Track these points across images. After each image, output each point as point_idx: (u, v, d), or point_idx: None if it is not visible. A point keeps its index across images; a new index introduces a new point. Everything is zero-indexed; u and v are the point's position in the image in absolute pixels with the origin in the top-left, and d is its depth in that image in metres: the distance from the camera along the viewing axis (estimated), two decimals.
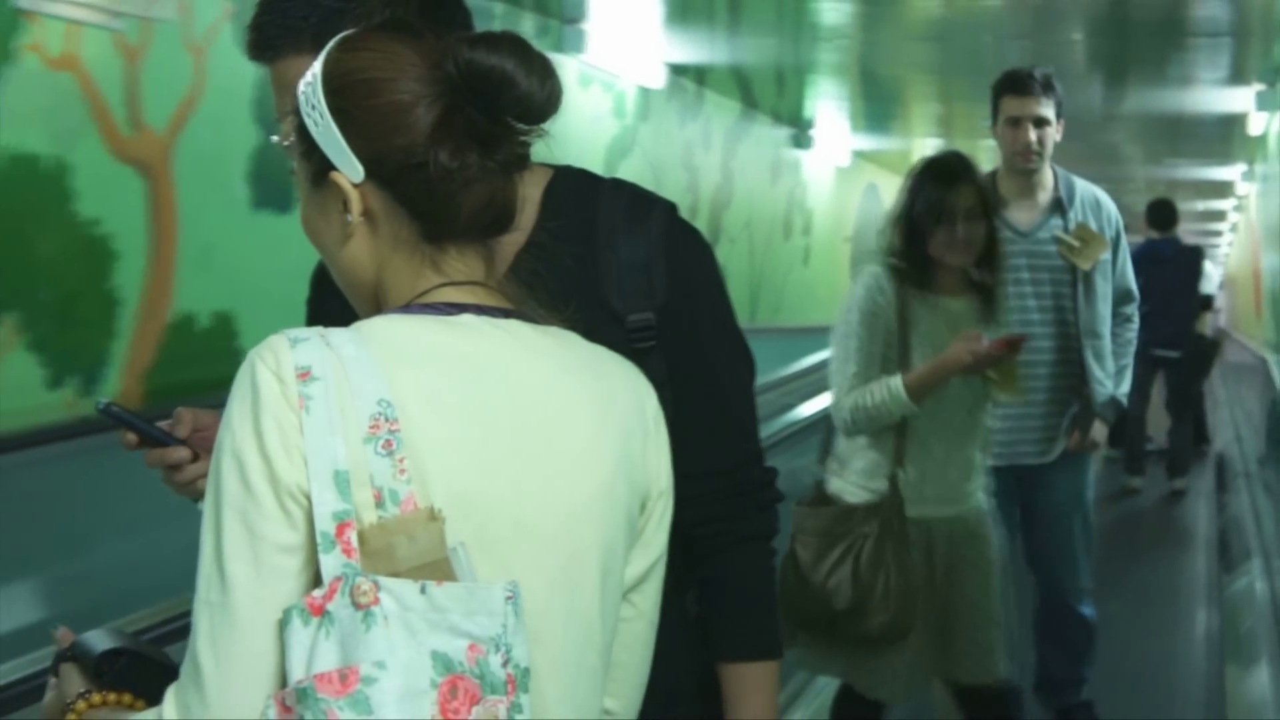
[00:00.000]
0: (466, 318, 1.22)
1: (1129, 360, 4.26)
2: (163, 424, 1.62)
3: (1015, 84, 4.00)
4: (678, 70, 7.77)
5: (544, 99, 1.21)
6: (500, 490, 1.17)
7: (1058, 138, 4.06)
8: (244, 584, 1.09)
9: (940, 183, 3.25)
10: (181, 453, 1.59)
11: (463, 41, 1.20)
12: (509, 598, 1.10)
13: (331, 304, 1.35)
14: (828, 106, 9.76)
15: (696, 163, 8.32)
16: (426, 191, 1.20)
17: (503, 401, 1.19)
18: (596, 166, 6.66)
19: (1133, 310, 4.27)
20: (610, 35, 6.43)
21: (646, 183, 1.81)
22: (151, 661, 1.30)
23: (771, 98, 9.14)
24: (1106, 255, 4.06)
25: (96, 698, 1.28)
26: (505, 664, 1.09)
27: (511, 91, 1.19)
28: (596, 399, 1.25)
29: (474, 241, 1.25)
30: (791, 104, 9.53)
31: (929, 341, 3.22)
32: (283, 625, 1.07)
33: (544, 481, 1.19)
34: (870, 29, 7.04)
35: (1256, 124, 8.59)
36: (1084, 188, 4.15)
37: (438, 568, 1.09)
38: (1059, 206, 4.09)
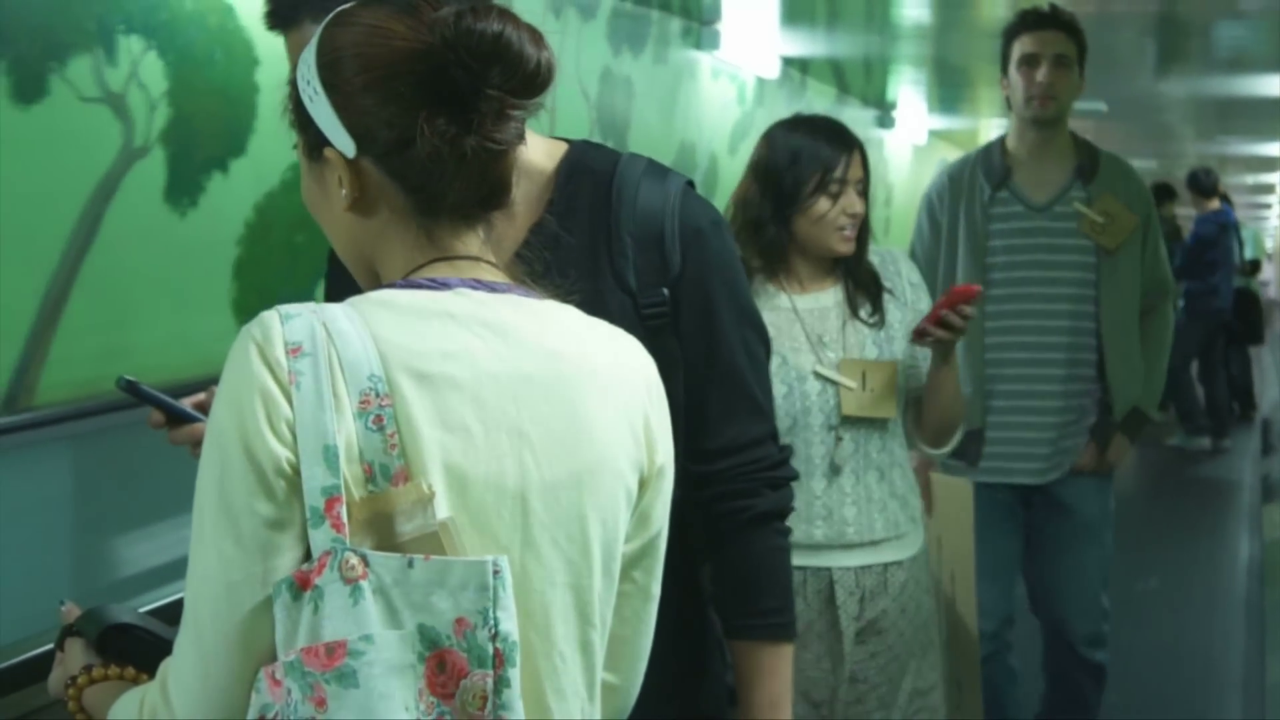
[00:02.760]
0: (460, 292, 1.18)
1: (1162, 364, 3.50)
2: (186, 400, 1.60)
3: (1030, 19, 3.36)
4: (786, 61, 8.17)
5: (534, 67, 1.16)
6: (493, 465, 1.13)
7: (1080, 89, 3.42)
8: (233, 559, 1.07)
9: (829, 141, 2.41)
10: (201, 428, 1.54)
11: (452, 13, 1.16)
12: (496, 572, 1.08)
13: (349, 279, 1.31)
14: (908, 91, 10.15)
15: None
16: (417, 166, 1.16)
17: (496, 376, 1.15)
18: (723, 147, 7.82)
19: (1168, 305, 3.51)
20: (737, 33, 6.81)
21: None
22: (156, 636, 1.29)
23: (861, 84, 9.53)
24: (1136, 235, 3.37)
25: (99, 671, 1.28)
26: (493, 638, 1.07)
27: (501, 60, 1.14)
28: (593, 373, 1.20)
29: (468, 216, 1.21)
30: (877, 89, 9.90)
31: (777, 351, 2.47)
32: (272, 599, 1.07)
33: (538, 456, 1.15)
34: (946, 26, 7.56)
35: None
36: (1109, 156, 3.48)
37: (427, 542, 1.08)
38: (1081, 176, 3.41)
